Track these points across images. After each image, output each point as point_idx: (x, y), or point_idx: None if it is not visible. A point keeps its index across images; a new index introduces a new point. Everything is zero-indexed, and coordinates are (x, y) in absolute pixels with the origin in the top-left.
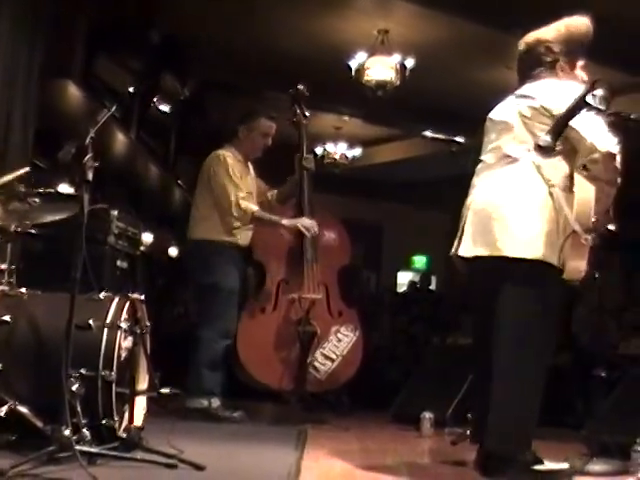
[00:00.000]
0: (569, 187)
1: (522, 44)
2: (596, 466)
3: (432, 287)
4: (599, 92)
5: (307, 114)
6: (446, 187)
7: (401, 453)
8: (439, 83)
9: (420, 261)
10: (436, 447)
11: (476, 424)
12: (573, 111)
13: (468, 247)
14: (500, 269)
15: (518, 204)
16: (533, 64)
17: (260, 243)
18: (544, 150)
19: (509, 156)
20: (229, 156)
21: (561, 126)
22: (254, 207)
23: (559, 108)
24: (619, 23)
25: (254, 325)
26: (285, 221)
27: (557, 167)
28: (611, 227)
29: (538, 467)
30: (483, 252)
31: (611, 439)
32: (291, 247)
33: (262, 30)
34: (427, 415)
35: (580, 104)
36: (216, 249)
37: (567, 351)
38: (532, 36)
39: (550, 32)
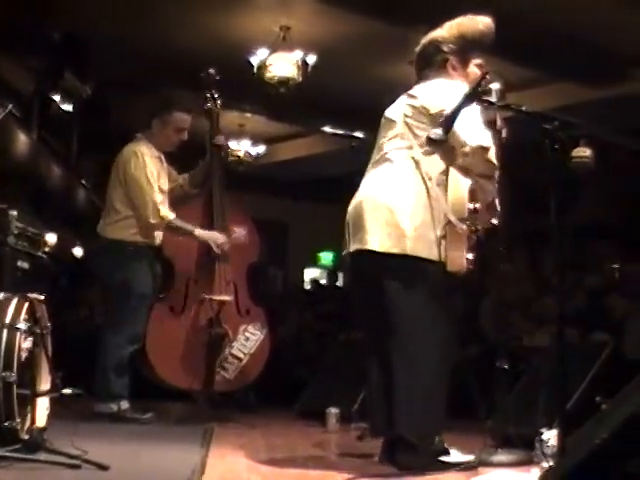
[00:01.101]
0: (445, 182)
1: (419, 45)
2: (501, 457)
3: (339, 283)
4: (495, 86)
5: (217, 97)
6: (350, 183)
7: (307, 448)
8: (342, 80)
9: (326, 258)
10: (342, 442)
11: (374, 417)
12: (463, 104)
13: (350, 243)
14: (374, 263)
15: (393, 201)
16: (425, 64)
17: (169, 240)
18: (435, 143)
19: (389, 153)
20: (146, 153)
21: (451, 119)
22: (171, 215)
23: (437, 107)
24: (520, 20)
25: (163, 325)
26: (197, 232)
27: (435, 163)
28: (494, 221)
29: (445, 458)
30: (359, 246)
31: (515, 430)
32: (201, 245)
33: (162, 28)
34: (333, 411)
35: (470, 97)
36: (131, 250)
37: (475, 344)
38: (427, 37)
39: (442, 32)
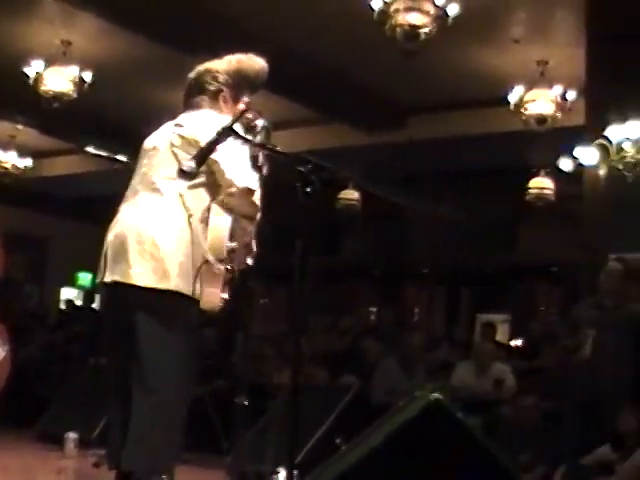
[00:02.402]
0: (207, 219)
1: (193, 71)
2: None
3: (95, 305)
4: (260, 122)
5: None
6: (113, 204)
7: (42, 473)
8: (117, 99)
9: (85, 278)
10: (77, 468)
11: (111, 447)
12: (218, 139)
13: (107, 272)
14: (134, 297)
15: (157, 234)
16: (197, 91)
17: None
18: (186, 175)
19: (154, 183)
20: None
21: (205, 153)
22: None
23: (206, 139)
24: (299, 58)
25: None
26: None
27: (200, 198)
28: (250, 261)
29: None
30: (118, 279)
31: (252, 468)
32: None
33: None
34: (71, 435)
35: (225, 132)
36: None
37: (225, 379)
38: (203, 65)
39: (221, 63)
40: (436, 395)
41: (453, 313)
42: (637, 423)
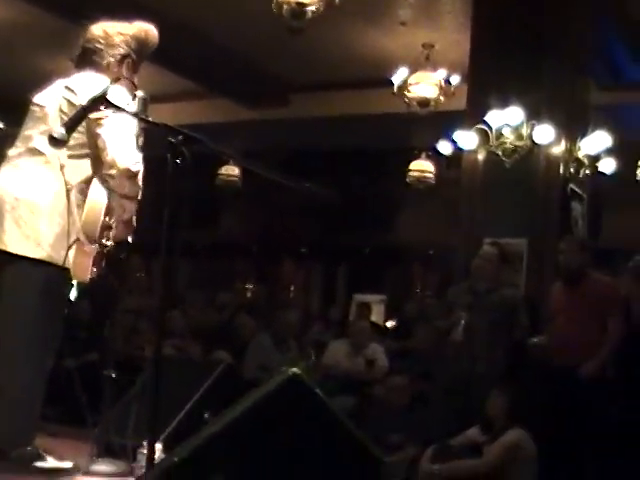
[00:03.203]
0: (86, 192)
1: (87, 32)
2: (101, 466)
3: None
4: (139, 94)
5: None
6: None
7: None
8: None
9: None
10: None
11: None
12: (91, 106)
13: None
14: (5, 263)
15: (34, 200)
16: (89, 54)
17: None
18: (56, 142)
19: (37, 149)
20: None
21: (76, 120)
22: None
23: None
24: (186, 32)
25: None
26: None
27: (81, 170)
28: (129, 238)
29: (40, 464)
30: None
31: (119, 440)
32: None
33: None
34: None
35: (99, 100)
36: None
37: (96, 352)
38: (99, 27)
39: (116, 28)
40: (295, 370)
41: (329, 292)
42: (506, 407)
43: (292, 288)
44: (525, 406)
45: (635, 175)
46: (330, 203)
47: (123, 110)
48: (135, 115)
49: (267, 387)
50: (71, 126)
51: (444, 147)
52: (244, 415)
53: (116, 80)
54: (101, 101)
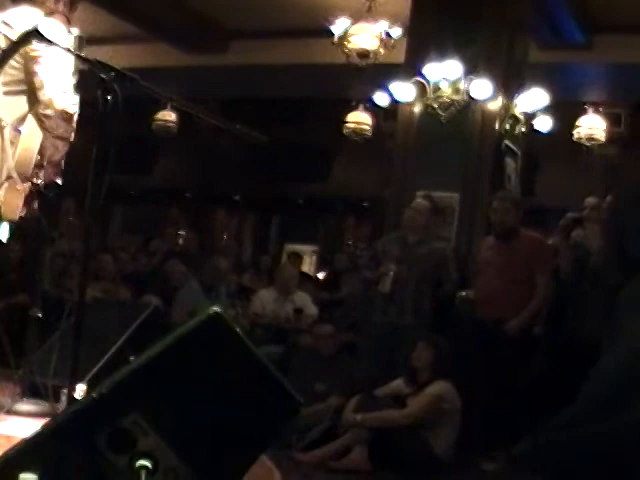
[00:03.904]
0: (20, 129)
1: None
2: (25, 406)
3: None
4: (75, 31)
5: None
6: None
7: None
8: None
9: None
10: None
11: None
12: (22, 41)
13: None
14: None
15: None
16: None
17: None
18: None
19: None
20: None
21: (7, 55)
22: None
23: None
24: None
25: None
26: None
27: (16, 107)
28: (58, 180)
29: None
30: None
31: (43, 381)
32: None
33: None
34: None
35: (30, 35)
36: None
37: (24, 293)
38: None
39: None
40: (216, 309)
41: (261, 241)
42: (432, 359)
43: (225, 235)
44: (451, 359)
45: (572, 135)
46: (260, 146)
47: (56, 45)
48: (68, 50)
49: (187, 325)
50: (1, 61)
51: (381, 99)
52: (162, 353)
53: (50, 14)
54: (33, 35)
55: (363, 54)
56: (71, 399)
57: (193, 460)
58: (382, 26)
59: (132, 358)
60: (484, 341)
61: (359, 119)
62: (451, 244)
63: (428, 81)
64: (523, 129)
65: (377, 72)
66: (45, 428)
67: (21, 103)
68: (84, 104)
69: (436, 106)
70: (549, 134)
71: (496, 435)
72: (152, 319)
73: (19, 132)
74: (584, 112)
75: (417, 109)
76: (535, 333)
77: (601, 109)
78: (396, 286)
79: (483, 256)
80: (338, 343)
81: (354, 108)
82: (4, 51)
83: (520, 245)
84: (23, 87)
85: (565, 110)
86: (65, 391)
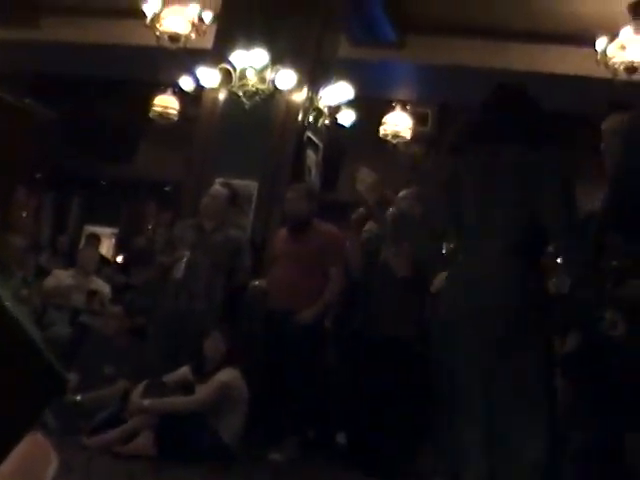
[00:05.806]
0: None
1: None
2: None
3: None
4: None
5: None
6: None
7: None
8: None
9: None
10: None
11: None
12: None
13: None
14: None
15: None
16: None
17: None
18: None
19: None
20: None
21: None
22: None
23: None
24: None
25: None
26: None
27: None
28: None
29: None
30: None
31: None
32: None
33: None
34: None
35: None
36: None
37: None
38: None
39: None
40: None
41: (61, 221)
42: (222, 348)
43: (24, 214)
44: (241, 348)
45: (378, 131)
46: (66, 124)
47: None
48: None
49: None
50: None
51: (186, 83)
52: None
53: None
54: None
55: (174, 37)
56: None
57: None
58: (194, 10)
59: None
60: (275, 331)
61: (166, 103)
62: (247, 233)
63: (234, 68)
64: (327, 122)
65: (187, 57)
66: None
67: None
68: None
69: (241, 94)
70: (353, 128)
71: (284, 425)
72: None
73: None
74: (392, 109)
75: (221, 95)
76: (326, 325)
77: (408, 107)
78: (189, 272)
79: (277, 247)
80: (128, 326)
81: (163, 91)
82: None
83: (313, 238)
84: None
85: (373, 106)
86: None
